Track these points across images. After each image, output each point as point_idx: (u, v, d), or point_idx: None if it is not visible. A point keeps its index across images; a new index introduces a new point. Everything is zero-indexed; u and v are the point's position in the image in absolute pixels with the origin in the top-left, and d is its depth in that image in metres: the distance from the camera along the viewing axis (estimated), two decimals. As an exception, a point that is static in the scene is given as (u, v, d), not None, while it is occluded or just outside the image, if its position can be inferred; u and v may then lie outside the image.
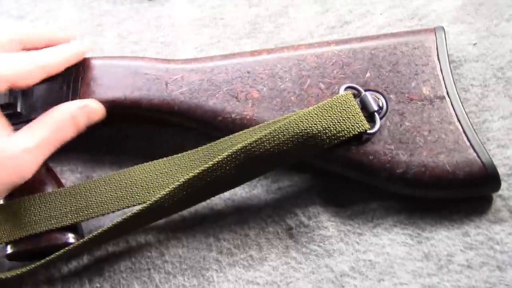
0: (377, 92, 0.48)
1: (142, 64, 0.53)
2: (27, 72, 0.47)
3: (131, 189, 0.48)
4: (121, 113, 0.52)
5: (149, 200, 0.46)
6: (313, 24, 0.60)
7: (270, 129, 0.45)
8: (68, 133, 0.48)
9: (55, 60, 0.49)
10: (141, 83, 0.51)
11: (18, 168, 0.45)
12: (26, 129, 0.46)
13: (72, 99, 0.52)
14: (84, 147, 0.56)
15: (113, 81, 0.52)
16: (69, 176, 0.54)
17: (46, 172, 0.50)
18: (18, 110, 0.51)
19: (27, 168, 0.45)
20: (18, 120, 0.51)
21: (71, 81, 0.52)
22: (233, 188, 0.48)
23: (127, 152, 0.55)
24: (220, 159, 0.45)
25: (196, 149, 0.49)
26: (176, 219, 0.50)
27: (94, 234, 0.45)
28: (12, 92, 0.51)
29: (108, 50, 0.63)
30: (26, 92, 0.52)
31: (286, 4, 0.62)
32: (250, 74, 0.51)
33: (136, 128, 0.56)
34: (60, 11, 0.67)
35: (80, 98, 0.51)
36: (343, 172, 0.47)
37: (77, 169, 0.55)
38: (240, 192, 0.50)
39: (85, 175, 0.54)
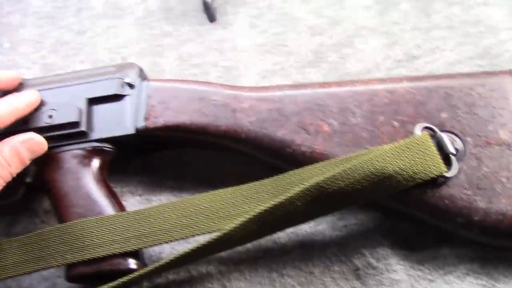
0: (453, 133, 0.47)
1: (209, 90, 0.52)
2: None
3: (196, 217, 0.47)
4: (184, 137, 0.52)
5: (213, 230, 0.45)
6: (379, 56, 0.59)
7: (344, 167, 0.44)
8: (13, 168, 0.47)
9: (5, 113, 0.48)
10: (208, 109, 0.51)
11: None
12: None
13: (136, 121, 0.51)
14: (144, 169, 0.55)
15: (180, 105, 0.51)
16: (129, 198, 0.54)
17: (107, 194, 0.50)
18: (83, 128, 0.51)
19: None
20: (81, 139, 0.51)
21: (135, 102, 0.52)
22: (302, 223, 0.47)
23: (188, 177, 0.54)
24: (293, 194, 0.44)
25: (262, 180, 0.48)
26: (239, 250, 0.48)
27: (159, 263, 0.44)
28: (78, 111, 0.51)
29: (169, 71, 0.62)
30: (89, 112, 0.52)
31: (351, 34, 0.61)
32: (320, 107, 0.50)
33: (197, 153, 0.55)
34: (121, 28, 0.67)
35: (145, 119, 0.51)
36: (417, 215, 0.46)
37: (137, 191, 0.54)
38: (305, 227, 0.49)
39: (145, 198, 0.53)
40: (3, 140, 0.47)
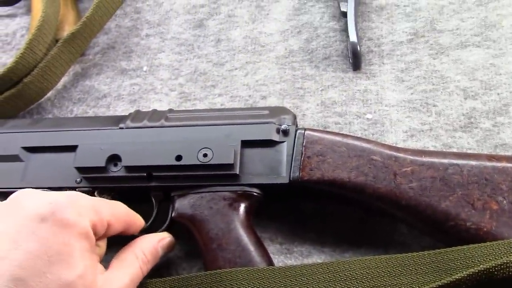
0: None
1: (368, 148, 0.50)
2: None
3: (350, 282, 0.45)
4: (336, 193, 0.50)
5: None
6: (539, 130, 0.56)
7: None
8: (150, 264, 0.48)
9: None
10: (366, 169, 0.49)
11: None
12: (117, 264, 0.46)
13: (290, 170, 0.50)
14: (284, 216, 0.54)
15: (337, 160, 0.50)
16: (268, 245, 0.52)
17: (256, 242, 0.48)
18: (236, 172, 0.50)
19: None
20: (232, 182, 0.50)
21: (289, 150, 0.51)
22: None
23: (329, 230, 0.53)
24: (459, 277, 0.42)
25: (422, 252, 0.45)
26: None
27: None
28: (234, 153, 0.50)
29: (310, 116, 0.61)
30: (241, 155, 0.51)
31: (506, 102, 0.58)
32: (488, 182, 0.47)
33: (341, 208, 0.53)
34: (260, 65, 0.67)
35: (300, 170, 0.50)
36: None
37: (277, 239, 0.53)
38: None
39: (286, 248, 0.52)
40: (142, 238, 0.49)
